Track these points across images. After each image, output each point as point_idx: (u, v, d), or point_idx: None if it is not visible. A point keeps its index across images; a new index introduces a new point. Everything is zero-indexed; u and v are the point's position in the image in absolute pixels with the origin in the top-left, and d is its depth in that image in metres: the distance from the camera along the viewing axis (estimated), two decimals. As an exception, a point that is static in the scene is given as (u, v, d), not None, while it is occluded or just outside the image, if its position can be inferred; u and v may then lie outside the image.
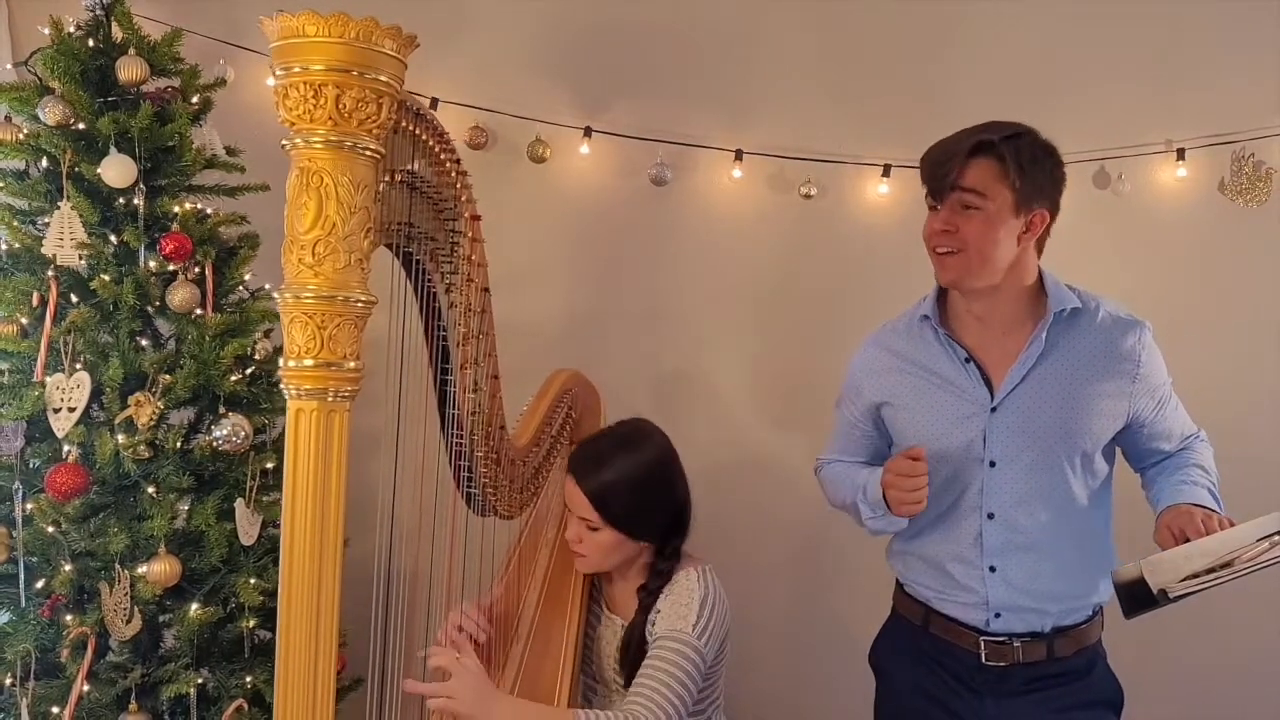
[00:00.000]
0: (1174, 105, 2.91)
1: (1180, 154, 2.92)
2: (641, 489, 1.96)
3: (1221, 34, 2.93)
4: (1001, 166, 1.82)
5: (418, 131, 1.42)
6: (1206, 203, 2.95)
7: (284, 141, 1.28)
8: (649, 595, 1.98)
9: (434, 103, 2.78)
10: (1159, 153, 2.93)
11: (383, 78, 1.26)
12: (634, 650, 1.94)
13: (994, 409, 1.91)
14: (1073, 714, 1.97)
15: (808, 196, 2.97)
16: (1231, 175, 2.92)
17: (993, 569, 1.93)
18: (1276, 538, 1.73)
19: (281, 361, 1.32)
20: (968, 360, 1.94)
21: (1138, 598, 1.76)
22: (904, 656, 2.08)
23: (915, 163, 2.86)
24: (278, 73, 1.25)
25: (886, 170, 2.96)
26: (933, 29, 2.99)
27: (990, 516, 1.92)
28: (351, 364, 1.32)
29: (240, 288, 2.37)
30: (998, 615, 1.94)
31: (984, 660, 1.95)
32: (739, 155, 2.95)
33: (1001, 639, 1.94)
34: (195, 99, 2.33)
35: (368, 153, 1.29)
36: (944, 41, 2.99)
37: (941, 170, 1.84)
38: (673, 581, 1.97)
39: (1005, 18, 2.97)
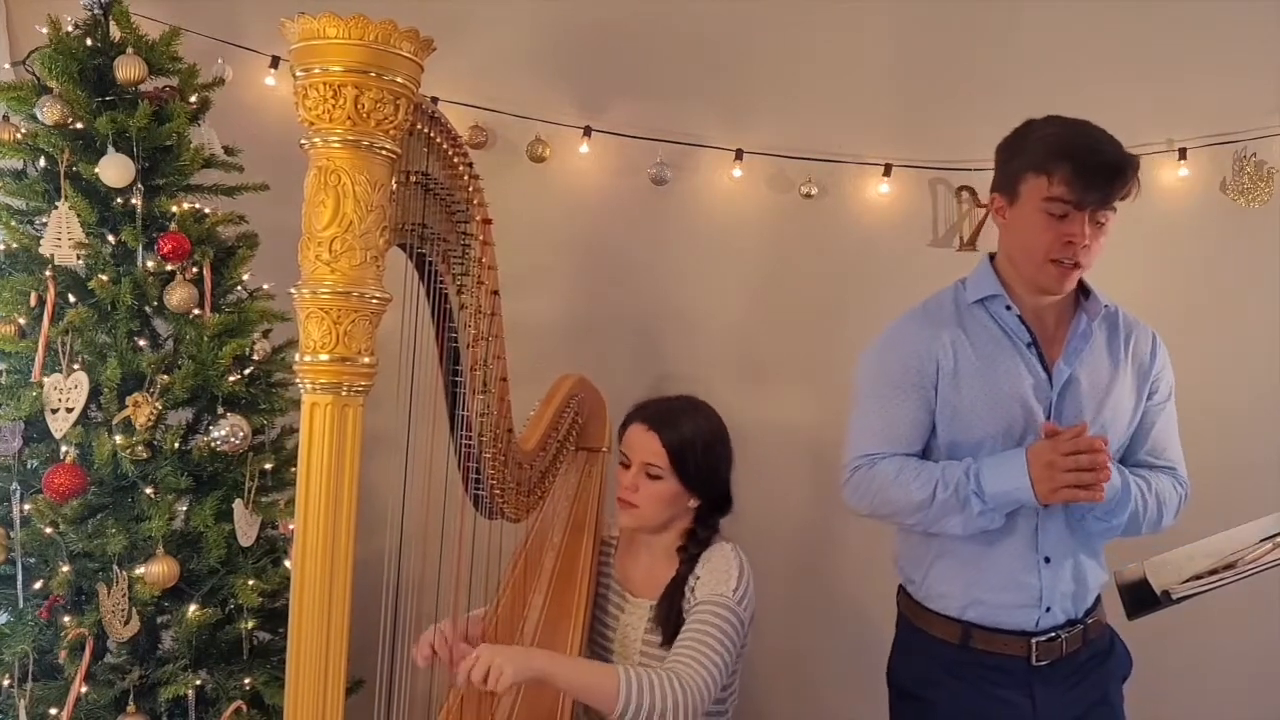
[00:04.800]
0: (1176, 105, 2.92)
1: (1182, 154, 2.92)
2: (711, 447, 2.05)
3: (1223, 33, 2.94)
4: (1129, 188, 1.85)
5: (432, 134, 1.43)
6: (1208, 203, 2.96)
7: (302, 140, 1.28)
8: (690, 558, 2.03)
9: (434, 102, 2.77)
10: (1161, 152, 2.93)
11: (400, 79, 1.27)
12: (674, 612, 1.98)
13: (1056, 393, 1.92)
14: (1108, 694, 2.01)
15: (808, 196, 2.97)
16: (1233, 175, 2.93)
17: (1047, 560, 1.92)
18: (1279, 539, 1.75)
19: (297, 356, 1.33)
20: (1030, 344, 1.94)
21: (1141, 599, 1.78)
22: (940, 680, 2.00)
23: (916, 162, 2.93)
24: (297, 73, 1.26)
25: (887, 170, 2.96)
26: (933, 28, 3.00)
27: (1046, 506, 1.88)
28: (366, 359, 1.33)
29: (239, 288, 2.36)
30: (1048, 610, 1.93)
31: (1034, 662, 1.93)
32: (739, 155, 2.95)
33: (1051, 635, 1.94)
34: (193, 98, 2.32)
35: (384, 152, 1.30)
36: (945, 41, 2.99)
37: (1111, 186, 1.82)
38: (708, 551, 2.02)
39: (1006, 18, 2.98)
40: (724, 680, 1.87)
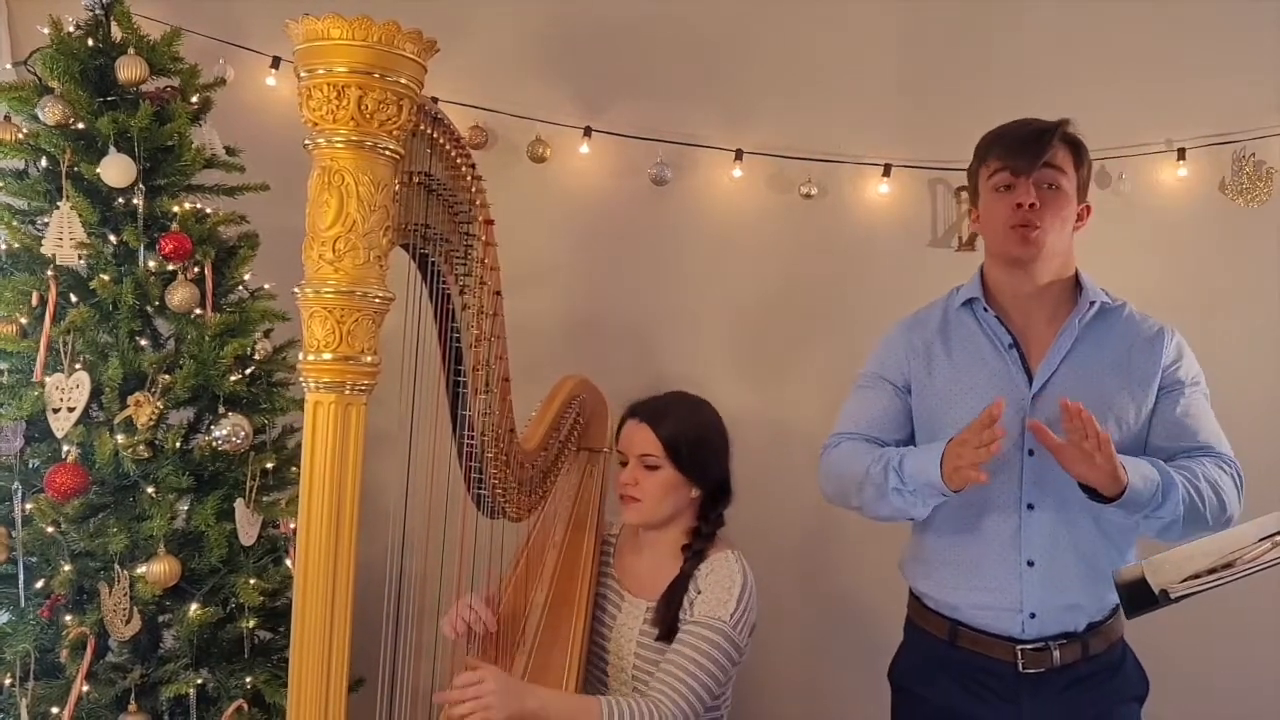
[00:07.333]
0: (1175, 105, 2.93)
1: (1181, 154, 2.94)
2: (704, 435, 2.09)
3: (1222, 33, 2.95)
4: (1075, 155, 1.94)
5: (434, 135, 1.44)
6: (1207, 202, 2.97)
7: (306, 141, 1.29)
8: (695, 554, 2.04)
9: (434, 102, 2.76)
10: (1160, 152, 2.95)
11: (403, 80, 1.29)
12: (673, 613, 1.99)
13: (1034, 395, 1.92)
14: (1110, 714, 1.98)
15: (808, 196, 2.97)
16: (1232, 175, 2.95)
17: (1030, 563, 1.91)
18: (1278, 538, 1.75)
19: (300, 355, 1.35)
20: (1011, 346, 1.97)
21: (1139, 598, 1.77)
22: (930, 676, 2.03)
23: (915, 163, 2.94)
24: (301, 74, 1.26)
25: (887, 170, 2.97)
26: (934, 29, 3.01)
27: (1030, 507, 1.91)
28: (369, 358, 1.35)
29: (240, 287, 2.36)
30: (1032, 616, 1.92)
31: (1021, 669, 1.92)
32: (739, 155, 2.95)
33: (1039, 644, 1.93)
34: (195, 98, 2.32)
35: (388, 153, 1.31)
36: (945, 41, 3.00)
37: (1037, 146, 1.90)
38: (712, 560, 2.03)
39: (1006, 18, 2.99)
40: (708, 703, 1.90)
